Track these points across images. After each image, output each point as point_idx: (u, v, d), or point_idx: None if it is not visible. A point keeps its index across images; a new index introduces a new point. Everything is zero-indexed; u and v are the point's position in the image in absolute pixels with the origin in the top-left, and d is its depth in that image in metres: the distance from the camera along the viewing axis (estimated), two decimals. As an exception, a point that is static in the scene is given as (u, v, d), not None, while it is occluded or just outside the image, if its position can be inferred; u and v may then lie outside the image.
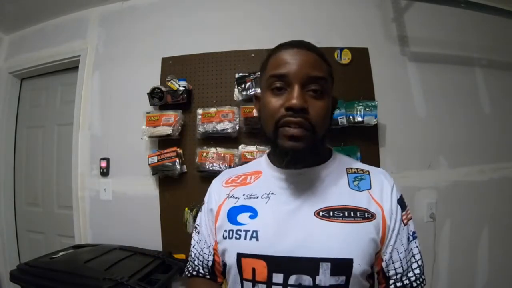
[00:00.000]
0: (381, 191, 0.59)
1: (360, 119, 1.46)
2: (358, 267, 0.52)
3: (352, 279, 0.52)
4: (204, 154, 1.55)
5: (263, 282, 0.53)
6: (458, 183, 1.59)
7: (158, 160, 1.58)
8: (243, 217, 0.58)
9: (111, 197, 1.74)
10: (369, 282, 0.58)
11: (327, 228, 0.54)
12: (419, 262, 0.60)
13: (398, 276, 0.57)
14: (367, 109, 1.47)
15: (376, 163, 1.55)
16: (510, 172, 1.62)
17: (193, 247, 0.68)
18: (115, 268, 1.26)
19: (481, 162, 1.61)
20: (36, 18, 1.99)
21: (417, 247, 0.61)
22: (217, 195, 0.66)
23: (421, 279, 0.59)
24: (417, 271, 0.59)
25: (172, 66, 1.71)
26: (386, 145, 1.58)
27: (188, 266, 0.69)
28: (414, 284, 0.58)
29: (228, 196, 0.64)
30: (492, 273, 1.58)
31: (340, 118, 1.46)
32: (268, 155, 0.67)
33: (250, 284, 0.54)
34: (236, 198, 0.62)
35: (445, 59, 1.65)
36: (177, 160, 1.57)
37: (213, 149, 1.56)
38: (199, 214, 0.70)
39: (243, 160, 1.48)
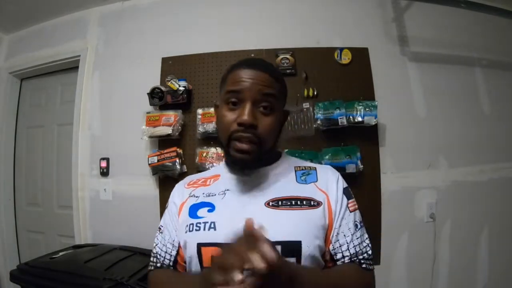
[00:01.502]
0: (326, 181, 0.66)
1: (360, 119, 1.46)
2: (307, 249, 0.57)
3: (303, 260, 0.57)
4: (204, 154, 1.55)
5: None
6: (458, 183, 1.59)
7: (158, 160, 1.58)
8: (202, 212, 0.64)
9: (111, 197, 1.74)
10: (325, 261, 0.62)
11: (277, 215, 0.60)
12: (370, 247, 0.64)
13: (346, 259, 0.61)
14: (367, 109, 1.47)
15: (376, 163, 1.56)
16: (510, 172, 1.62)
17: (156, 245, 0.70)
18: (115, 268, 1.26)
19: (481, 162, 1.61)
20: (36, 18, 1.99)
21: (365, 234, 0.65)
22: (180, 195, 0.72)
23: (370, 262, 0.63)
24: (370, 252, 0.64)
25: (172, 66, 1.71)
26: (386, 145, 1.58)
27: (151, 263, 0.70)
28: (363, 261, 0.62)
29: (190, 195, 0.70)
30: (492, 273, 1.58)
31: (340, 118, 1.46)
32: (226, 160, 0.76)
33: None
34: (196, 197, 0.68)
35: (445, 59, 1.65)
36: (177, 160, 1.57)
37: (213, 149, 1.56)
38: (163, 217, 0.73)
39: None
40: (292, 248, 0.57)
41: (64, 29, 1.96)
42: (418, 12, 1.63)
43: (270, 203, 0.61)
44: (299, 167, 0.70)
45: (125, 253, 1.44)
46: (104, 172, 1.76)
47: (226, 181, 0.69)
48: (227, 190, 0.66)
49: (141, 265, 1.32)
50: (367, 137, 1.55)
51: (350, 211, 0.64)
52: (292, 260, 0.56)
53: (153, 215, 1.64)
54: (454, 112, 1.63)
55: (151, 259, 0.70)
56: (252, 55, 1.63)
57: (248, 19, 1.71)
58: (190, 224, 0.63)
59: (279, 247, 0.55)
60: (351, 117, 1.48)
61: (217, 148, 1.56)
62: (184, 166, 1.61)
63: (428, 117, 1.61)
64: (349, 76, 1.60)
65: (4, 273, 1.92)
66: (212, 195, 0.67)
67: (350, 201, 0.66)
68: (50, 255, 1.39)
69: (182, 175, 1.62)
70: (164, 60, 1.72)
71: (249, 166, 0.64)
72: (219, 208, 0.63)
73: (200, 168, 1.54)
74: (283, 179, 0.67)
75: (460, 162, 1.60)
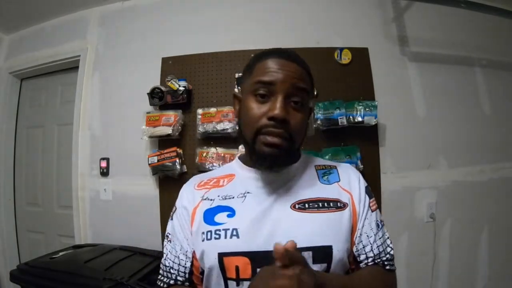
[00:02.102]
0: (349, 181, 0.64)
1: (360, 119, 1.46)
2: (337, 253, 0.54)
3: (333, 265, 0.54)
4: (204, 154, 1.55)
5: (248, 279, 0.52)
6: (458, 183, 1.59)
7: (158, 160, 1.58)
8: (220, 217, 0.58)
9: (111, 197, 1.74)
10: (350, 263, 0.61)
11: (304, 219, 0.56)
12: (391, 246, 0.64)
13: (369, 260, 0.59)
14: (367, 109, 1.47)
15: (376, 163, 1.56)
16: (510, 172, 1.62)
17: (166, 256, 0.63)
18: (115, 268, 1.26)
19: (481, 162, 1.61)
20: (36, 18, 1.99)
21: (386, 233, 0.64)
22: (190, 197, 0.64)
23: (392, 262, 0.62)
24: (392, 252, 0.63)
25: (172, 66, 1.71)
26: (386, 145, 1.58)
27: (162, 277, 0.63)
28: (386, 262, 0.61)
29: (202, 198, 0.63)
30: (492, 273, 1.58)
31: (340, 118, 1.46)
32: (239, 157, 0.70)
33: (234, 283, 0.53)
34: (211, 200, 0.62)
35: (445, 59, 1.65)
36: (177, 160, 1.56)
37: (213, 149, 1.56)
38: (169, 223, 0.67)
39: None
40: (324, 253, 0.54)
41: (64, 29, 1.96)
42: (418, 12, 1.63)
43: (296, 206, 0.57)
44: (319, 165, 0.67)
45: (125, 253, 1.44)
46: (104, 172, 1.76)
47: (243, 181, 0.63)
48: (248, 192, 0.61)
49: (141, 265, 1.32)
50: (367, 137, 1.55)
51: (372, 211, 0.62)
52: (323, 266, 0.54)
53: (153, 215, 1.65)
54: (454, 112, 1.63)
55: (161, 272, 0.63)
56: (252, 55, 1.62)
57: (248, 19, 1.71)
58: (207, 232, 0.57)
59: (310, 253, 0.53)
60: (351, 117, 1.48)
61: (217, 148, 1.56)
62: (184, 166, 1.61)
63: (428, 117, 1.61)
64: (349, 76, 1.60)
65: (4, 273, 1.92)
66: (229, 198, 0.61)
67: (371, 200, 0.63)
68: (50, 255, 1.39)
69: (182, 175, 1.62)
70: (164, 60, 1.72)
71: (279, 162, 0.58)
72: (240, 212, 0.58)
73: (200, 168, 1.54)
74: (307, 179, 0.63)
75: (460, 162, 1.60)
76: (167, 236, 0.65)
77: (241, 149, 1.52)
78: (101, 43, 1.87)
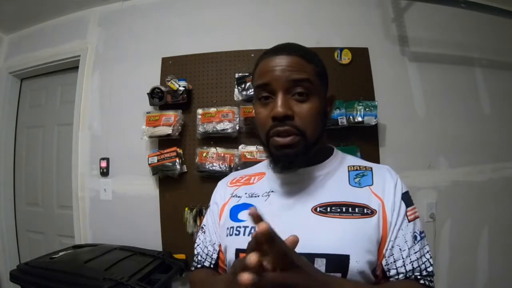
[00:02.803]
0: (383, 185, 0.58)
1: (360, 119, 1.46)
2: (356, 264, 0.50)
3: (349, 276, 0.50)
4: (204, 154, 1.55)
5: None
6: (458, 183, 1.59)
7: (158, 160, 1.58)
8: (243, 215, 0.60)
9: (111, 197, 1.74)
10: (375, 277, 0.55)
11: (324, 224, 0.53)
12: (430, 262, 0.55)
13: (401, 276, 0.53)
14: (367, 109, 1.47)
15: (376, 163, 1.55)
16: (510, 172, 1.62)
17: (198, 245, 0.68)
18: (115, 268, 1.26)
19: (481, 162, 1.61)
20: (36, 18, 1.99)
21: (426, 246, 0.57)
22: (222, 194, 0.68)
23: (430, 279, 0.55)
24: (430, 269, 0.55)
25: (172, 66, 1.71)
26: (386, 145, 1.58)
27: (194, 263, 0.69)
28: (421, 279, 0.53)
29: (232, 195, 0.66)
30: (492, 273, 1.58)
31: (340, 118, 1.46)
32: None
33: None
34: (238, 197, 0.64)
35: (445, 59, 1.65)
36: (177, 160, 1.57)
37: (213, 149, 1.56)
38: (205, 216, 0.71)
39: (243, 160, 1.48)
40: (339, 262, 0.50)
41: (64, 29, 1.96)
42: (418, 12, 1.63)
43: (318, 209, 0.54)
44: (353, 166, 0.62)
45: (125, 253, 1.44)
46: (104, 172, 1.76)
47: (270, 181, 0.63)
48: (272, 191, 0.61)
49: (141, 265, 1.33)
50: (367, 137, 1.55)
51: (409, 221, 0.56)
52: (337, 276, 0.50)
53: (153, 215, 1.65)
54: (454, 112, 1.62)
55: (194, 258, 0.69)
56: (252, 55, 1.63)
57: (248, 19, 1.71)
58: (230, 228, 0.60)
59: (323, 260, 0.50)
60: (351, 117, 1.48)
61: (217, 148, 1.56)
62: (184, 166, 1.61)
63: (428, 117, 1.61)
64: (349, 76, 1.59)
65: (4, 273, 1.92)
66: (255, 196, 0.62)
67: (410, 208, 0.57)
68: (50, 255, 1.39)
69: (182, 175, 1.62)
70: (164, 60, 1.72)
71: (295, 163, 0.56)
72: (261, 211, 0.54)
73: (200, 168, 1.54)
74: (335, 181, 0.59)
75: (460, 162, 1.60)
76: (202, 228, 0.70)
77: (241, 149, 1.53)
78: (101, 43, 1.87)
